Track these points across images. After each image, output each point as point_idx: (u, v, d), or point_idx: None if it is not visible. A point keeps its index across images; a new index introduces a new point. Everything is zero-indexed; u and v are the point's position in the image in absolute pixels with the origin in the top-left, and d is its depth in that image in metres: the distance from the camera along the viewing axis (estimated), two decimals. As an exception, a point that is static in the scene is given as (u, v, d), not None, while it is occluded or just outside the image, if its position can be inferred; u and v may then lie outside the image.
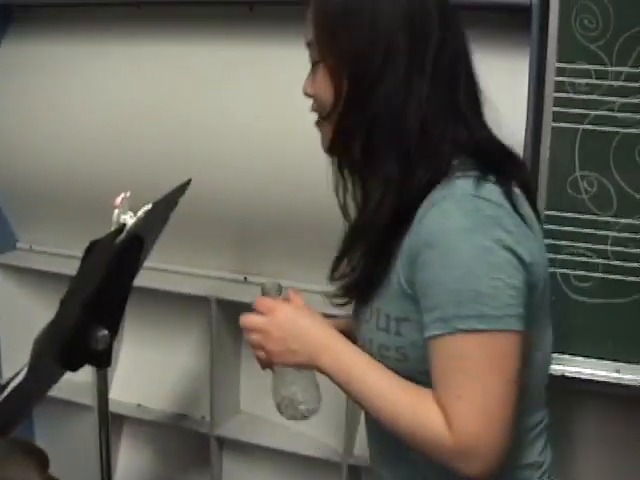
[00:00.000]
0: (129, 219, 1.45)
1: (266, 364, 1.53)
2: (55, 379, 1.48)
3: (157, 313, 2.93)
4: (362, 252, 1.51)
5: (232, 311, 2.50)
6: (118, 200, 1.49)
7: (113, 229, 1.44)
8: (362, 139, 1.46)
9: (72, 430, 3.13)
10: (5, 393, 1.43)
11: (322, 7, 1.48)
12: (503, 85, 2.32)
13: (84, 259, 1.38)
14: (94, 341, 1.41)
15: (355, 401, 1.45)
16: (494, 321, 1.31)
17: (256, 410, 2.92)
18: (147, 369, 2.98)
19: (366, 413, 1.51)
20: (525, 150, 2.16)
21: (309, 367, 1.48)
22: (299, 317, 1.50)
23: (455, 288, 1.32)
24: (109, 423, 1.57)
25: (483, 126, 1.53)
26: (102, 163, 2.83)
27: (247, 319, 1.51)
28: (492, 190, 1.37)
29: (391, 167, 1.43)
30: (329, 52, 1.47)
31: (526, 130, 2.20)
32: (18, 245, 3.25)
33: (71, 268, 2.48)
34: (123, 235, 1.42)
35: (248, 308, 1.49)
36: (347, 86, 1.45)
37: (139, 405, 2.99)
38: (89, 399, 2.89)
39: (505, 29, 2.29)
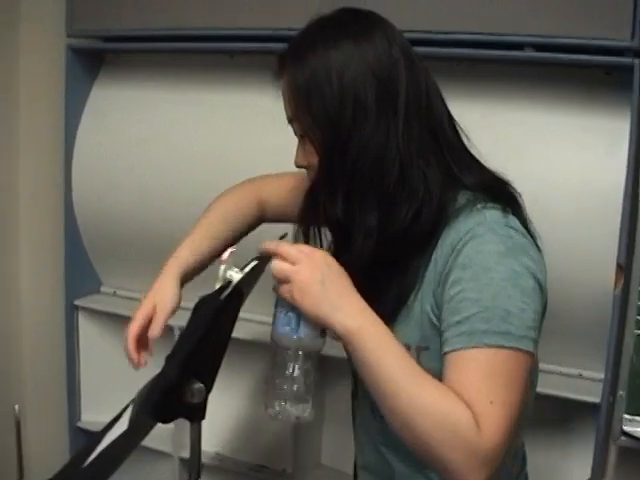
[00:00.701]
0: (235, 275, 1.43)
1: (281, 296, 1.45)
2: (147, 432, 1.46)
3: (240, 361, 2.90)
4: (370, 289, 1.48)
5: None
6: (225, 255, 1.48)
7: (219, 285, 1.44)
8: (344, 190, 1.52)
9: (145, 476, 3.12)
10: (102, 446, 1.42)
11: (293, 81, 1.53)
12: (601, 144, 2.31)
13: (193, 315, 1.38)
14: (190, 394, 1.40)
15: (370, 384, 1.39)
16: (516, 340, 1.39)
17: (336, 464, 2.88)
18: (227, 417, 2.96)
19: (358, 427, 1.47)
20: (623, 213, 2.14)
21: (327, 321, 1.39)
22: (339, 267, 1.46)
23: (487, 305, 1.39)
24: (200, 477, 1.55)
25: (472, 158, 1.63)
26: (186, 210, 2.82)
27: (284, 247, 1.46)
28: (515, 220, 1.50)
29: (371, 216, 1.51)
30: (309, 122, 1.53)
31: (625, 192, 2.19)
32: (102, 289, 3.27)
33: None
34: (228, 290, 1.41)
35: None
36: (326, 142, 1.52)
37: (217, 453, 2.98)
38: (160, 444, 2.91)
39: (606, 87, 2.28)
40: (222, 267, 1.46)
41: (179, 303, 1.72)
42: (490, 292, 1.41)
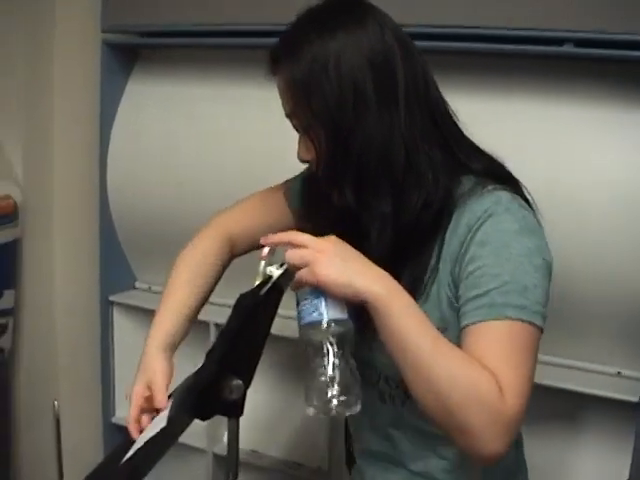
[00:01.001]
0: (275, 271, 1.42)
1: (303, 283, 1.41)
2: (185, 428, 1.45)
3: (276, 358, 2.89)
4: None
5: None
6: (265, 252, 1.47)
7: (258, 281, 1.42)
8: (352, 182, 1.54)
9: (177, 471, 3.11)
10: (139, 443, 1.42)
11: (291, 76, 1.52)
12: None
13: (233, 312, 1.38)
14: (228, 391, 1.39)
15: (396, 351, 1.39)
16: (532, 314, 1.44)
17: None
18: (264, 415, 2.95)
19: (361, 415, 1.45)
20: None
21: (354, 289, 1.38)
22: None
23: (507, 280, 1.44)
24: (238, 475, 1.54)
25: (471, 142, 1.66)
26: (221, 205, 2.81)
27: (294, 234, 1.45)
28: (522, 202, 1.56)
29: (384, 203, 1.54)
30: (310, 117, 1.54)
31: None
32: (137, 285, 3.28)
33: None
34: (268, 286, 1.40)
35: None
36: (328, 138, 1.53)
37: (253, 451, 2.97)
38: (195, 440, 2.91)
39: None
40: (262, 263, 1.44)
41: (172, 374, 1.63)
42: (509, 267, 1.45)
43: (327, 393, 1.38)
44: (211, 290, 1.82)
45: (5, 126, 3.23)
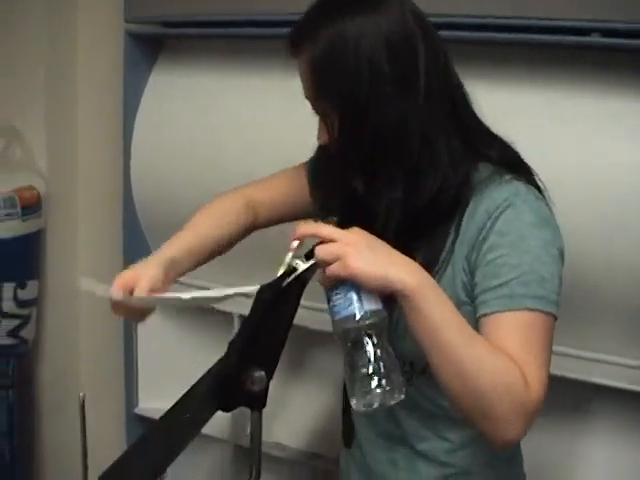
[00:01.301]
0: (301, 264, 1.41)
1: (335, 278, 1.40)
2: (207, 419, 1.45)
3: (296, 350, 2.89)
4: None
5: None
6: (294, 245, 1.46)
7: (282, 271, 1.42)
8: (363, 168, 1.55)
9: (196, 461, 3.12)
10: (162, 434, 1.42)
11: (311, 59, 1.52)
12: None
13: (255, 303, 1.38)
14: (250, 382, 1.39)
15: (426, 340, 1.40)
16: (549, 305, 1.48)
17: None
18: (286, 406, 2.95)
19: None
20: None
21: (386, 280, 1.37)
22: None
23: (526, 270, 1.47)
24: (260, 465, 1.54)
25: (487, 129, 1.67)
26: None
27: (322, 227, 1.44)
28: (537, 193, 1.59)
29: (395, 189, 1.55)
30: (329, 100, 1.55)
31: None
32: (159, 275, 3.27)
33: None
34: (291, 278, 1.40)
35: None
36: (344, 119, 1.54)
37: (276, 443, 2.96)
38: (216, 431, 2.90)
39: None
40: (289, 255, 1.44)
41: (161, 285, 1.63)
42: (528, 258, 1.49)
43: (370, 385, 1.37)
44: (225, 246, 1.84)
45: (29, 117, 3.24)
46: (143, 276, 1.60)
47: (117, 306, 1.63)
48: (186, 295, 1.56)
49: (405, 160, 1.54)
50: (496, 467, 1.77)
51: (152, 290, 1.59)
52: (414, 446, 1.76)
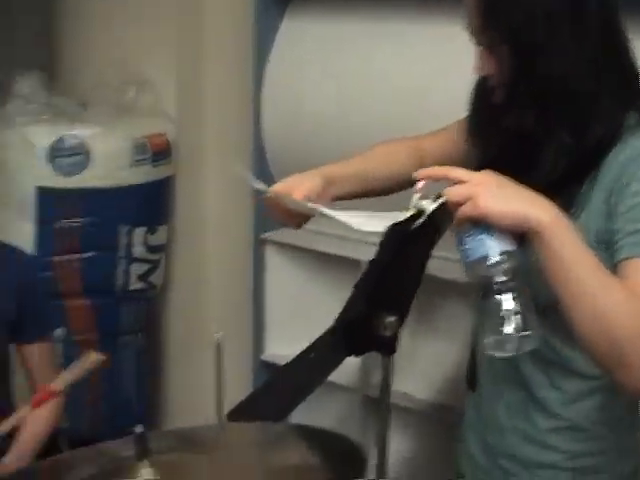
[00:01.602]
0: (427, 205, 1.37)
1: (466, 219, 1.37)
2: (337, 365, 1.44)
3: (425, 300, 2.85)
4: None
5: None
6: (420, 185, 1.42)
7: (410, 214, 1.38)
8: (535, 105, 1.54)
9: (324, 408, 3.11)
10: (291, 378, 1.41)
11: None
12: None
13: (381, 245, 1.36)
14: (382, 327, 1.36)
15: (559, 279, 1.38)
16: None
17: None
18: (414, 357, 2.91)
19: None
20: None
21: (521, 217, 1.34)
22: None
23: None
24: (390, 412, 1.52)
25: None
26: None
27: (452, 169, 1.43)
28: None
29: (566, 132, 1.53)
30: (497, 34, 1.54)
31: None
32: (290, 223, 3.27)
33: (336, 247, 2.44)
34: (420, 221, 1.36)
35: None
36: (516, 58, 1.53)
37: (405, 393, 2.93)
38: (346, 379, 2.87)
39: None
40: (416, 196, 1.40)
41: (317, 195, 1.68)
42: None
43: (508, 330, 1.34)
44: (392, 186, 1.87)
45: (157, 64, 3.27)
46: (304, 183, 1.68)
47: (273, 209, 1.72)
48: (333, 213, 1.58)
49: (573, 102, 1.53)
50: (614, 429, 1.72)
51: (307, 199, 1.65)
52: (529, 392, 1.72)
